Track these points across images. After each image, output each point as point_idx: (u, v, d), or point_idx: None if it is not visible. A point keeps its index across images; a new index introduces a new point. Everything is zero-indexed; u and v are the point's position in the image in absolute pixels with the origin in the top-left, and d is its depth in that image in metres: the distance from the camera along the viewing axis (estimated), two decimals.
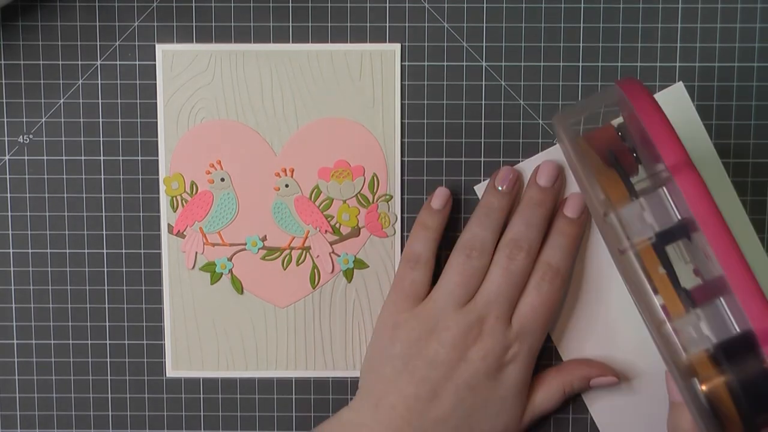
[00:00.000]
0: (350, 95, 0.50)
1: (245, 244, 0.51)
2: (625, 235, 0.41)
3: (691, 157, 0.38)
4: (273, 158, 0.50)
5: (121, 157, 0.50)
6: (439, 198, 0.49)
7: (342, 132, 0.50)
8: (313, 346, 0.51)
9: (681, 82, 0.49)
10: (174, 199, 0.51)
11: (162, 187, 0.50)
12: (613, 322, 0.51)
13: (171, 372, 0.52)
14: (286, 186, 0.50)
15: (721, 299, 0.39)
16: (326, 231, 0.51)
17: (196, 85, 0.50)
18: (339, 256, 0.51)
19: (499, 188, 0.48)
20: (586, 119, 0.44)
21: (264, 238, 0.51)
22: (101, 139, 0.50)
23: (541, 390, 0.49)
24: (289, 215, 0.51)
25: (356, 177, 0.50)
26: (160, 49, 0.50)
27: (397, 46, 0.50)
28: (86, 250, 0.51)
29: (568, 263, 0.48)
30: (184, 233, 0.51)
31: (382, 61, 0.50)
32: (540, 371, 0.50)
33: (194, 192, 0.51)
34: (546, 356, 0.51)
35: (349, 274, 0.51)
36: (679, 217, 0.40)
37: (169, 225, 0.51)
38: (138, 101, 0.50)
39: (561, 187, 0.49)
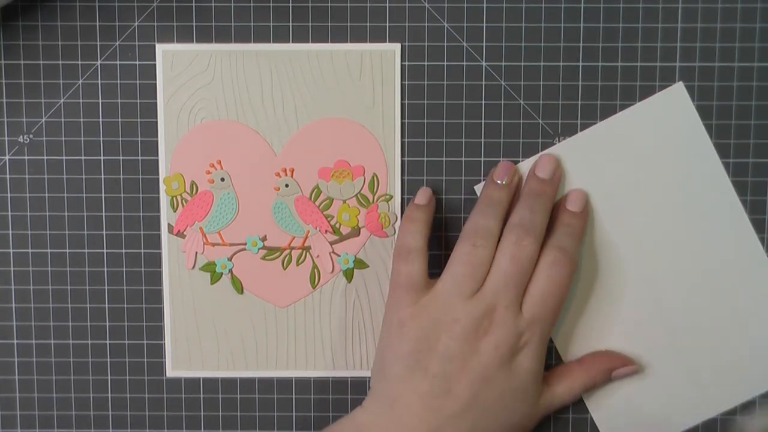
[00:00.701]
0: (350, 95, 0.50)
1: (245, 244, 0.51)
2: None
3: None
4: (273, 158, 0.50)
5: (121, 157, 0.50)
6: (422, 195, 0.49)
7: (342, 132, 0.50)
8: (313, 346, 0.51)
9: (681, 82, 0.49)
10: (174, 199, 0.51)
11: (162, 187, 0.50)
12: (614, 326, 0.51)
13: (171, 372, 0.52)
14: (286, 186, 0.50)
15: None
16: (326, 231, 0.51)
17: (196, 85, 0.50)
18: (339, 256, 0.51)
19: (499, 182, 0.48)
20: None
21: (264, 238, 0.51)
22: (101, 139, 0.50)
23: (564, 382, 0.49)
24: (289, 215, 0.51)
25: (356, 177, 0.50)
26: (160, 49, 0.50)
27: (397, 46, 0.50)
28: (86, 250, 0.51)
29: (576, 250, 0.48)
30: (184, 233, 0.51)
31: (382, 61, 0.50)
32: (562, 363, 0.50)
33: (194, 192, 0.50)
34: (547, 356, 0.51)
35: (349, 274, 0.51)
36: None
37: (169, 225, 0.51)
38: (138, 101, 0.50)
39: (559, 180, 0.49)
